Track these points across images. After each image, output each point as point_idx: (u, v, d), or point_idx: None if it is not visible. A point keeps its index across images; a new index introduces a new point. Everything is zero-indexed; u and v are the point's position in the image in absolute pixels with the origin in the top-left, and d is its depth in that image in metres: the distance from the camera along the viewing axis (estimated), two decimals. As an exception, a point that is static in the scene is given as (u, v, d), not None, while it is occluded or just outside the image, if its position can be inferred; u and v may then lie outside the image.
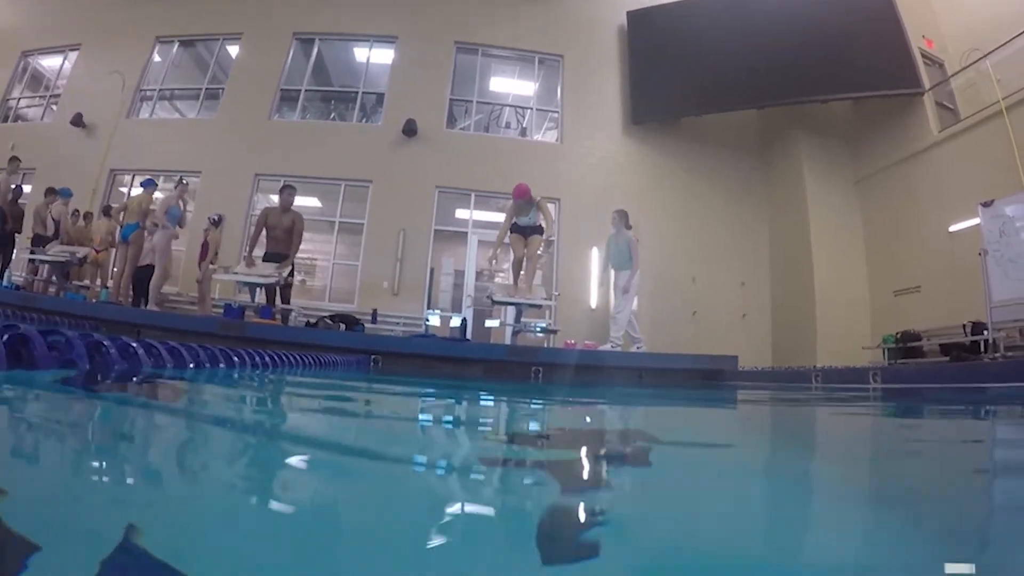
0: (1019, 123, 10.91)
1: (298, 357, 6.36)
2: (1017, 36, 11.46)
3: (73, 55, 16.69)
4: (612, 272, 10.57)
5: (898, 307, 13.18)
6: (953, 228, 11.93)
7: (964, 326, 10.70)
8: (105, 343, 3.17)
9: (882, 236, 14.06)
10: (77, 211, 13.11)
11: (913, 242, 13.04)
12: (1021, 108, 10.97)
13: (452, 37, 16.37)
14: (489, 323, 12.64)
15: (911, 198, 13.25)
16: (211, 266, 12.30)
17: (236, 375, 4.49)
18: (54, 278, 12.10)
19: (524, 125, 16.75)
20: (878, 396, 7.15)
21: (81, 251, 11.74)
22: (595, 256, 14.64)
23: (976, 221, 10.24)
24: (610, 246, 10.48)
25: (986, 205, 9.89)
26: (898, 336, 12.31)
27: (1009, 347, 9.50)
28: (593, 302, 14.45)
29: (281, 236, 10.35)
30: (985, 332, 9.65)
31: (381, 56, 16.68)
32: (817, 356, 13.02)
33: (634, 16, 16.46)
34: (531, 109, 16.74)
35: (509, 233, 10.23)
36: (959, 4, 14.34)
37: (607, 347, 10.11)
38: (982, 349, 9.77)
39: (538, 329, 11.81)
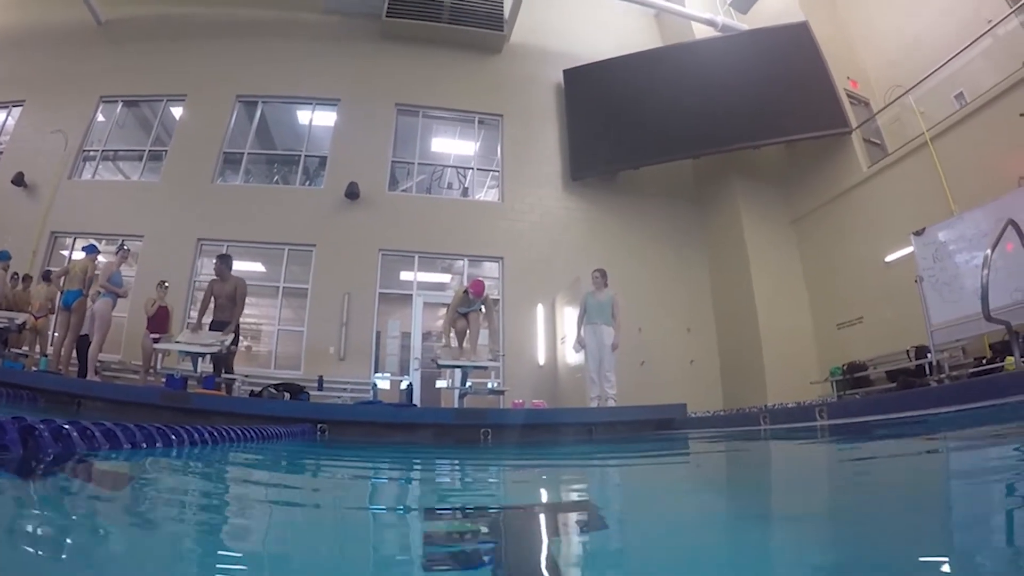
0: (944, 152, 11.17)
1: (239, 431, 6.08)
2: (936, 71, 11.85)
3: (16, 111, 16.15)
4: (581, 328, 10.48)
5: (843, 339, 13.18)
6: (889, 258, 12.06)
7: (908, 351, 10.80)
8: (38, 426, 2.97)
9: (821, 272, 14.19)
10: (16, 275, 12.41)
11: (852, 275, 13.15)
12: (945, 138, 11.25)
13: (393, 99, 16.48)
14: (439, 384, 12.46)
15: (846, 233, 13.42)
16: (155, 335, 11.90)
17: (170, 458, 4.19)
18: (-9, 344, 11.58)
19: (466, 185, 16.79)
20: (825, 432, 7.04)
21: (20, 317, 11.20)
22: (540, 313, 14.55)
23: (910, 249, 10.42)
24: (588, 302, 10.42)
25: (918, 234, 10.07)
26: (844, 368, 12.34)
27: (954, 367, 9.56)
28: (541, 359, 14.30)
29: (225, 303, 10.32)
30: (928, 355, 9.72)
31: (323, 118, 16.71)
32: (767, 395, 12.86)
33: (570, 74, 16.77)
34: (472, 169, 16.80)
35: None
36: (879, 44, 14.86)
37: (610, 404, 9.94)
38: (927, 372, 9.81)
39: (486, 390, 11.65)
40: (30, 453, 2.78)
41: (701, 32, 16.33)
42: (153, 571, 1.41)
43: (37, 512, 1.95)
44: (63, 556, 1.44)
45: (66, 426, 3.24)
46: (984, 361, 9.18)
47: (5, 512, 1.81)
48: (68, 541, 1.57)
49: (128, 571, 1.38)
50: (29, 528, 1.67)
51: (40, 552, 1.44)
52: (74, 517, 1.95)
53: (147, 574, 1.37)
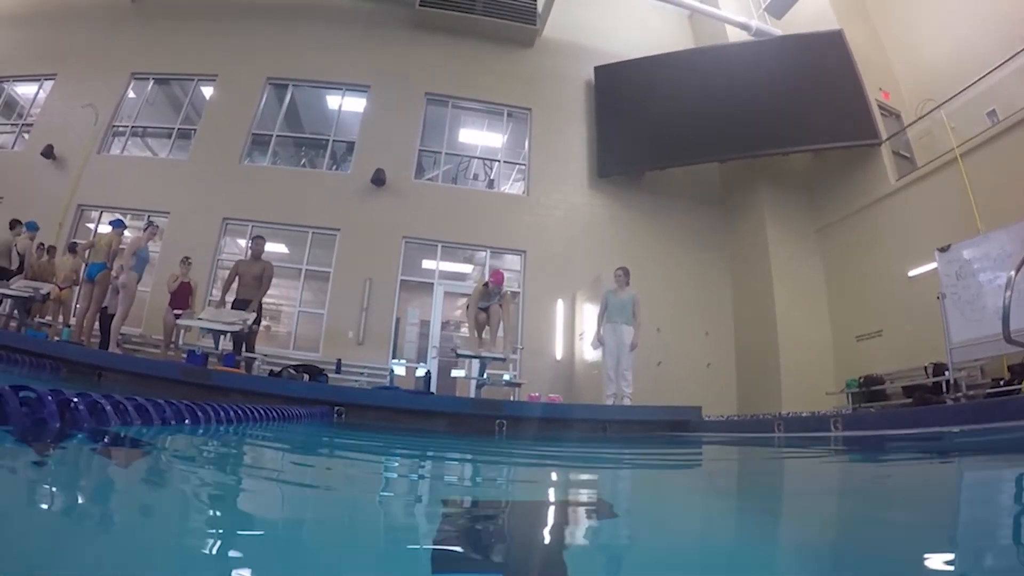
0: (974, 169, 11.09)
1: (262, 411, 6.19)
2: (970, 86, 11.74)
3: (48, 84, 16.37)
4: (601, 326, 10.55)
5: (861, 352, 13.14)
6: (912, 273, 11.99)
7: (926, 368, 10.76)
8: (75, 400, 3.07)
9: (843, 283, 14.14)
10: (42, 245, 12.63)
11: (874, 288, 13.11)
12: (975, 155, 11.16)
13: (423, 88, 16.57)
14: (455, 373, 12.52)
15: (871, 245, 13.36)
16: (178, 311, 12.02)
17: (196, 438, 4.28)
18: (15, 313, 11.67)
19: (492, 177, 16.86)
20: (839, 444, 7.05)
21: (45, 287, 11.29)
22: (560, 308, 14.61)
23: (934, 265, 10.35)
24: (609, 300, 10.49)
25: (943, 250, 10.00)
26: (861, 380, 12.31)
27: (971, 386, 9.53)
28: (558, 354, 14.36)
29: (250, 282, 10.61)
30: (946, 373, 9.68)
31: (353, 104, 16.79)
32: (782, 403, 12.89)
33: (601, 71, 16.77)
34: (499, 161, 16.87)
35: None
36: (914, 57, 14.67)
37: (626, 402, 10.01)
38: (944, 390, 9.78)
39: (503, 381, 11.71)
40: (67, 426, 2.88)
41: (734, 35, 16.29)
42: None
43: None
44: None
45: (101, 400, 3.36)
46: (1002, 382, 9.16)
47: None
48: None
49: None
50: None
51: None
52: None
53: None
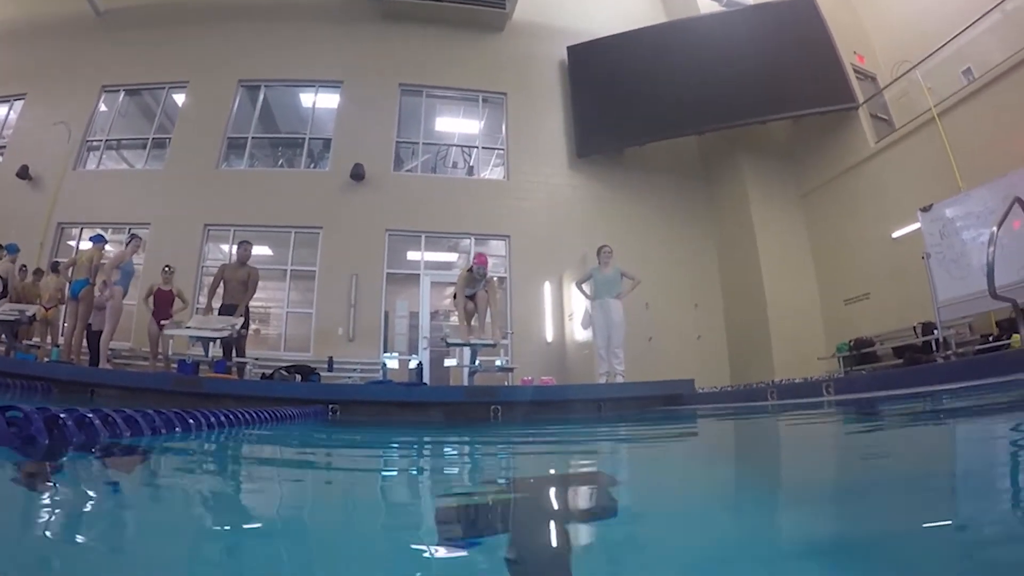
0: (952, 128, 11.14)
1: (253, 414, 6.15)
2: (943, 46, 11.78)
3: (19, 105, 16.09)
4: (589, 304, 10.67)
5: (850, 315, 13.26)
6: (896, 234, 12.07)
7: (915, 328, 10.84)
8: (62, 416, 3.04)
9: (828, 248, 14.22)
10: (24, 267, 12.50)
11: (859, 251, 13.19)
12: (952, 113, 11.24)
13: (396, 79, 16.42)
14: (448, 362, 12.52)
15: (853, 209, 13.44)
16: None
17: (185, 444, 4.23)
18: (3, 337, 11.46)
19: (471, 164, 16.77)
20: (832, 408, 7.09)
21: (30, 309, 11.19)
22: (547, 290, 14.60)
23: (917, 226, 10.36)
24: (596, 277, 10.55)
25: (925, 210, 10.01)
26: (851, 344, 12.40)
27: (960, 343, 9.60)
28: (548, 336, 14.36)
29: (237, 287, 10.55)
30: (935, 332, 9.73)
31: (327, 101, 16.67)
32: (774, 371, 12.98)
33: (574, 51, 16.69)
34: (477, 148, 16.78)
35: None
36: (887, 19, 14.72)
37: (619, 379, 10.05)
38: (934, 349, 9.84)
39: (496, 367, 11.72)
40: (55, 443, 2.85)
41: (706, 7, 16.21)
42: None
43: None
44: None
45: (89, 414, 3.33)
46: (991, 338, 9.25)
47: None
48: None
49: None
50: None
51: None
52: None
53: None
